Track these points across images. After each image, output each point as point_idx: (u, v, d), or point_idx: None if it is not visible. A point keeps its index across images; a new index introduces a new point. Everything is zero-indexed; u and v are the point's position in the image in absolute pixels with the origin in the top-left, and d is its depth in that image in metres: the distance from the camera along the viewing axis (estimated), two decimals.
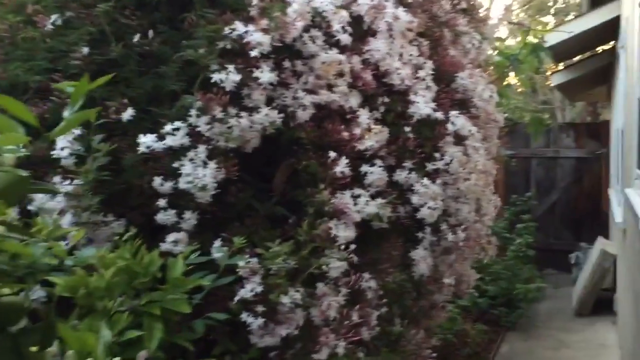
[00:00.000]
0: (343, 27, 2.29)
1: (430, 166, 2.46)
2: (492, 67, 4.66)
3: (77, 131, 2.06)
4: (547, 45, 5.54)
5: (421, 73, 2.55)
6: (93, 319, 1.48)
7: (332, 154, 2.14)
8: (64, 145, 2.05)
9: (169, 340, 1.65)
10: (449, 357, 5.16)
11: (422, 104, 2.45)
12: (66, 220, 2.00)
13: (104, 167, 2.03)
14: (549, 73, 9.16)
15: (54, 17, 2.27)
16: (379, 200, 2.24)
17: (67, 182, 2.03)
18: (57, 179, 2.05)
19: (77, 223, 1.99)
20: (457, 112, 2.61)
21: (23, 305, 0.68)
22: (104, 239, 2.06)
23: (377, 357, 2.48)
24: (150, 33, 2.19)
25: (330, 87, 2.25)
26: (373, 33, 2.45)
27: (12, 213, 1.03)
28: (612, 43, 7.60)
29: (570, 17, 13.32)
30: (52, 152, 2.06)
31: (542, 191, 9.15)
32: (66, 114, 1.03)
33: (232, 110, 2.08)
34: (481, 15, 3.64)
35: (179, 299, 1.63)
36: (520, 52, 5.24)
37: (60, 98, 2.13)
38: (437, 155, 2.49)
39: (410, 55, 2.54)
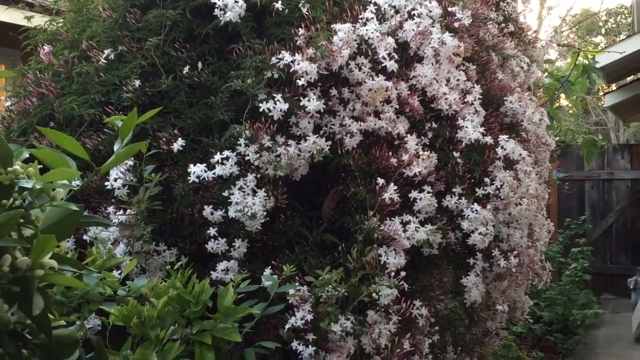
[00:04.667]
0: (389, 54, 2.29)
1: (480, 191, 2.43)
2: (542, 90, 4.59)
3: (130, 162, 2.10)
4: (598, 66, 5.44)
5: (469, 98, 2.54)
6: (146, 348, 1.50)
7: (381, 181, 2.14)
8: (116, 176, 2.09)
9: None
10: None
11: (471, 129, 2.43)
12: (119, 249, 2.04)
13: (156, 197, 2.07)
14: (601, 94, 8.99)
15: (107, 51, 2.33)
16: (429, 227, 2.22)
17: (120, 212, 2.07)
18: (110, 209, 2.10)
19: (130, 252, 2.03)
20: (507, 136, 2.57)
21: (77, 337, 0.69)
22: (156, 268, 2.09)
23: None
24: (199, 65, 2.24)
25: (377, 114, 2.25)
26: (419, 59, 2.44)
27: (66, 245, 1.05)
28: None
29: (622, 36, 13.10)
30: (105, 183, 2.11)
31: (597, 214, 8.93)
32: (116, 147, 1.05)
33: (280, 139, 2.10)
34: (529, 37, 3.61)
35: (229, 328, 1.64)
36: (571, 73, 5.15)
37: (113, 130, 2.18)
38: (487, 180, 2.46)
39: (458, 80, 2.52)
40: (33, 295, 0.63)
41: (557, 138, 4.04)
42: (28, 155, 0.83)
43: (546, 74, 5.34)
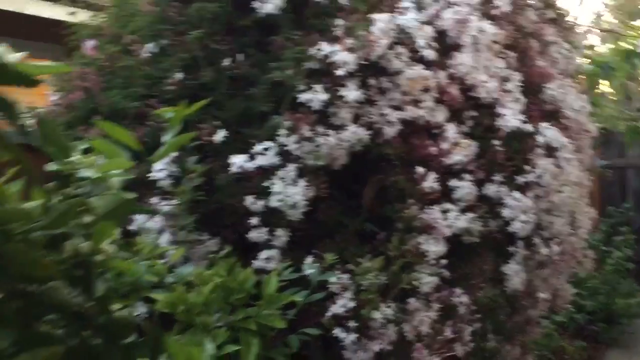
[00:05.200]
0: (428, 43, 2.30)
1: (520, 179, 2.42)
2: (583, 76, 4.53)
3: (174, 153, 2.15)
4: None
5: (509, 85, 2.52)
6: (192, 334, 1.53)
7: (420, 170, 2.15)
8: (161, 168, 2.14)
9: (266, 355, 1.69)
10: None
11: (511, 117, 2.42)
12: (164, 239, 2.08)
13: (199, 188, 2.11)
14: None
15: (149, 45, 2.38)
16: (469, 215, 2.22)
17: (165, 202, 2.12)
18: (154, 199, 2.15)
19: (174, 242, 2.07)
20: (547, 123, 2.56)
21: (134, 319, 0.73)
22: (200, 257, 2.13)
23: None
24: (240, 57, 2.27)
25: (416, 103, 2.26)
26: (458, 47, 2.44)
27: (116, 233, 1.09)
28: None
29: None
30: (149, 174, 2.15)
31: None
32: (166, 138, 1.08)
33: (320, 129, 2.12)
34: (569, 23, 3.56)
35: (273, 315, 1.67)
36: (613, 59, 5.07)
37: (156, 122, 2.23)
38: (527, 168, 2.44)
39: (497, 67, 2.51)
40: (94, 279, 0.66)
41: (599, 125, 3.98)
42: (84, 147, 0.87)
43: (587, 60, 5.26)
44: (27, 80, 0.69)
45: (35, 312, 0.69)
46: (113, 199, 0.73)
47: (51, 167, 0.74)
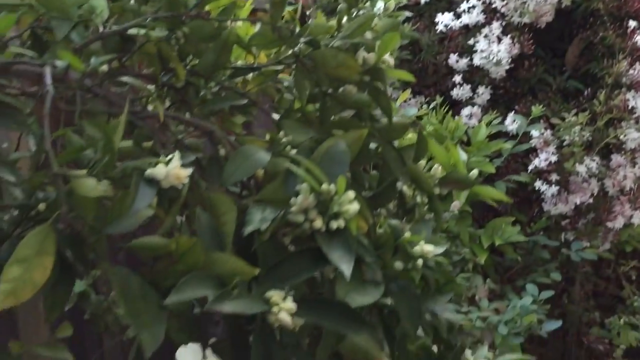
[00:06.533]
0: None
1: None
2: None
3: None
4: None
5: None
6: None
7: (632, 23, 2.09)
8: None
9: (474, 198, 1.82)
10: None
11: None
12: None
13: (404, 47, 2.21)
14: None
15: None
16: None
17: None
18: None
19: None
20: None
21: (408, 121, 0.86)
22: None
23: None
24: None
25: None
26: None
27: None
28: None
29: None
30: None
31: None
32: None
33: None
34: None
35: (482, 161, 1.78)
36: None
37: None
38: None
39: None
40: (385, 84, 0.80)
41: None
42: None
43: None
44: None
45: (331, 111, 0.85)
46: (389, 21, 0.85)
47: None
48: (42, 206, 0.71)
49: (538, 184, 2.06)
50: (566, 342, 2.29)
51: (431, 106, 1.93)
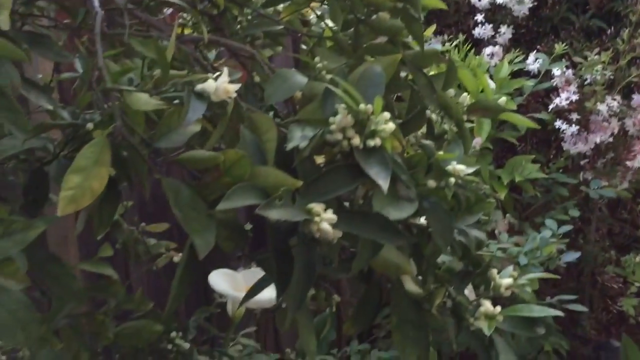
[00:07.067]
0: None
1: None
2: None
3: None
4: None
5: None
6: None
7: None
8: None
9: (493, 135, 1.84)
10: None
11: None
12: None
13: None
14: None
15: None
16: None
17: None
18: None
19: None
20: None
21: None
22: None
23: None
24: None
25: None
26: None
27: None
28: None
29: None
30: None
31: None
32: None
33: None
34: None
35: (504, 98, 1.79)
36: None
37: None
38: None
39: None
40: (418, 10, 0.83)
41: None
42: None
43: None
44: None
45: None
46: None
47: None
48: (90, 125, 0.75)
49: (558, 123, 2.06)
50: (580, 282, 2.33)
51: (453, 44, 1.93)
